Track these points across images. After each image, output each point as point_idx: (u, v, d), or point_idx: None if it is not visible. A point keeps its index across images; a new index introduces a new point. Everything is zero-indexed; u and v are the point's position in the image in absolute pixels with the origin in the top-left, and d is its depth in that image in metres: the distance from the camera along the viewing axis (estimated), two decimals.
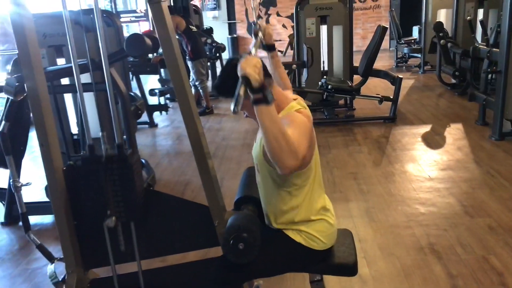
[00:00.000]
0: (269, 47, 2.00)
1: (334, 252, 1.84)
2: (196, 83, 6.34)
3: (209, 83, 7.43)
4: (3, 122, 2.24)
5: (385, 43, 9.55)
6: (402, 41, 9.02)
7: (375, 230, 3.00)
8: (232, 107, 1.35)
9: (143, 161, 4.13)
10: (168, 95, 6.82)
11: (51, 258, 2.09)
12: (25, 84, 1.71)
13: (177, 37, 2.09)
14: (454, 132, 4.95)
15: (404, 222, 3.08)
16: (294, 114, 1.65)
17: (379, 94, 5.53)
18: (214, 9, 12.21)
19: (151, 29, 9.81)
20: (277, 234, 1.78)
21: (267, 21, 12.35)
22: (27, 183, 2.02)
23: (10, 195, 3.37)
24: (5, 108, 2.48)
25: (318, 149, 1.81)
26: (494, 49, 4.57)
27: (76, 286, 1.88)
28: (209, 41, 7.08)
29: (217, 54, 7.24)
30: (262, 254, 1.70)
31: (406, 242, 2.83)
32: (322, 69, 5.89)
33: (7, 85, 2.04)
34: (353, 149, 4.61)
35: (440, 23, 6.50)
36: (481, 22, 5.38)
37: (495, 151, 4.28)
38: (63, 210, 1.91)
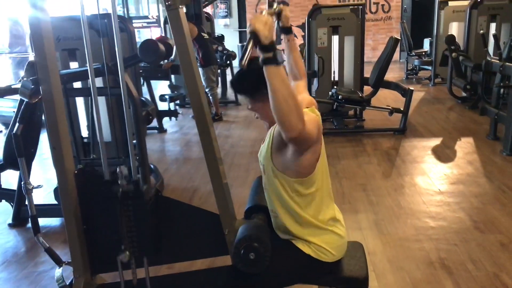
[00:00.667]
0: (286, 30, 1.97)
1: (345, 264, 1.82)
2: (206, 90, 6.35)
3: (219, 90, 7.45)
4: (16, 124, 2.25)
5: (396, 54, 9.52)
6: (413, 53, 8.99)
7: (384, 243, 2.97)
8: (239, 61, 1.33)
9: (152, 166, 4.13)
10: (178, 101, 6.85)
11: (59, 262, 2.08)
12: (40, 87, 1.71)
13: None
14: (464, 146, 4.91)
15: (413, 236, 3.04)
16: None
17: (389, 106, 5.51)
18: (226, 17, 12.27)
19: (163, 34, 9.90)
20: (286, 244, 1.76)
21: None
22: (39, 186, 2.02)
23: (19, 196, 3.38)
24: (18, 110, 2.49)
25: (327, 159, 1.79)
26: (507, 63, 4.54)
27: None
28: (220, 48, 7.10)
29: (228, 62, 7.25)
30: (271, 264, 1.68)
31: (415, 256, 2.79)
32: (332, 79, 5.88)
33: (22, 87, 2.05)
34: (362, 160, 4.58)
35: (452, 36, 6.48)
36: (495, 36, 5.35)
37: (506, 166, 4.23)
38: (73, 214, 1.91)
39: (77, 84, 3.53)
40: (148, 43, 2.84)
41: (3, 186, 3.66)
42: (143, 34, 11.91)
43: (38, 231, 1.98)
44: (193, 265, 2.39)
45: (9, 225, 3.45)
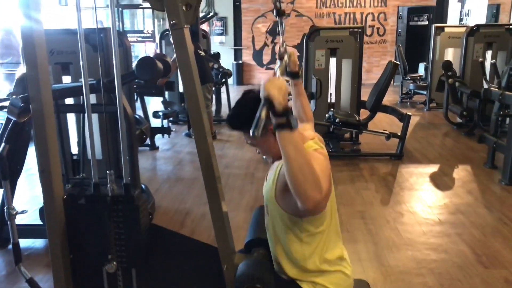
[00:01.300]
0: (293, 75, 1.92)
1: None
2: None
3: (213, 108, 7.34)
4: (2, 144, 2.10)
5: None
6: (408, 77, 9.00)
7: (385, 276, 2.84)
8: (252, 130, 1.22)
9: (143, 186, 3.98)
10: (171, 118, 6.72)
11: None
12: (30, 106, 1.58)
13: None
14: (462, 174, 4.84)
15: (415, 269, 2.92)
16: (313, 153, 1.53)
17: (386, 130, 5.44)
18: (221, 34, 12.25)
19: (157, 49, 9.81)
20: (291, 285, 1.62)
21: (278, 52, 12.39)
22: (23, 211, 1.87)
23: (2, 217, 3.20)
24: (5, 128, 2.35)
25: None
26: (507, 92, 4.50)
27: None
28: (215, 66, 7.02)
29: (223, 80, 7.17)
30: None
31: None
32: (329, 101, 5.81)
33: (11, 105, 1.92)
34: (360, 185, 4.47)
35: (449, 62, 6.48)
36: (494, 64, 5.34)
37: (506, 197, 4.15)
38: (60, 242, 1.76)
39: (68, 99, 3.40)
40: (145, 60, 2.73)
41: None
42: (137, 48, 11.83)
43: (20, 260, 1.83)
44: None
45: None
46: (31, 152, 3.76)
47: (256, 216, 2.04)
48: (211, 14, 9.39)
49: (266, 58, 12.45)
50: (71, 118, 3.81)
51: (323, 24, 11.89)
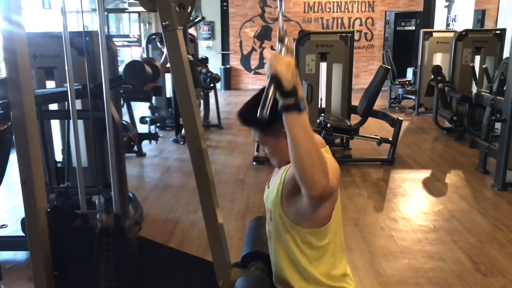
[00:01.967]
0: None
1: None
2: None
3: (202, 113, 7.23)
4: None
5: None
6: (396, 82, 9.00)
7: (383, 286, 2.76)
8: (259, 112, 1.11)
9: (130, 194, 3.85)
10: (158, 124, 6.59)
11: None
12: (11, 113, 1.47)
13: None
14: (455, 179, 4.80)
15: (413, 278, 2.85)
16: (324, 153, 1.45)
17: (377, 135, 5.39)
18: (209, 38, 12.15)
19: (144, 54, 9.67)
20: None
21: (261, 54, 12.33)
22: (2, 225, 1.74)
23: None
24: None
25: None
26: (498, 97, 4.48)
27: None
28: (204, 70, 6.91)
29: (212, 85, 7.06)
30: None
31: None
32: (319, 106, 5.75)
33: None
34: (352, 192, 4.40)
35: (439, 67, 6.47)
36: (485, 69, 5.33)
37: (499, 202, 4.11)
38: (43, 259, 1.64)
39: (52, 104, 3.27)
40: (133, 65, 2.62)
41: None
42: (123, 53, 11.67)
43: (1, 278, 1.70)
44: None
45: None
46: (13, 158, 3.61)
47: (252, 227, 1.94)
48: (198, 18, 9.27)
49: (254, 62, 12.38)
50: (54, 123, 3.67)
51: (311, 29, 11.87)
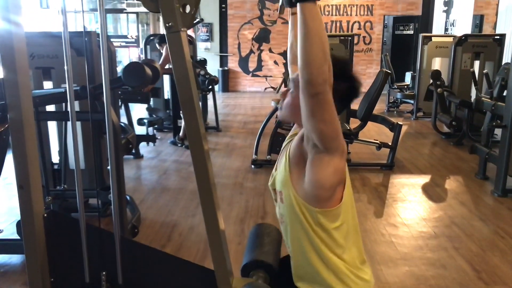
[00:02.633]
0: (290, 2, 1.76)
1: None
2: None
3: None
4: None
5: None
6: (395, 86, 8.99)
7: None
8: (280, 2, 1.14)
9: (127, 197, 3.79)
10: (156, 125, 6.55)
11: None
12: (8, 115, 1.42)
13: (170, 66, 1.88)
14: (454, 185, 4.77)
15: (414, 286, 2.81)
16: None
17: (376, 140, 5.36)
18: (207, 40, 12.11)
19: (142, 55, 9.62)
20: None
21: (260, 57, 12.30)
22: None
23: None
24: None
25: None
26: (499, 103, 4.46)
27: None
28: (202, 72, 6.86)
29: (210, 87, 7.01)
30: None
31: None
32: None
33: None
34: None
35: (438, 72, 6.46)
36: (486, 74, 5.31)
37: (499, 209, 4.09)
38: (39, 265, 1.59)
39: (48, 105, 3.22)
40: (133, 66, 2.57)
41: None
42: (121, 54, 11.61)
43: None
44: None
45: None
46: (9, 159, 3.56)
47: (254, 235, 1.89)
48: (197, 20, 9.25)
49: (252, 65, 12.35)
50: (51, 124, 3.62)
51: None
